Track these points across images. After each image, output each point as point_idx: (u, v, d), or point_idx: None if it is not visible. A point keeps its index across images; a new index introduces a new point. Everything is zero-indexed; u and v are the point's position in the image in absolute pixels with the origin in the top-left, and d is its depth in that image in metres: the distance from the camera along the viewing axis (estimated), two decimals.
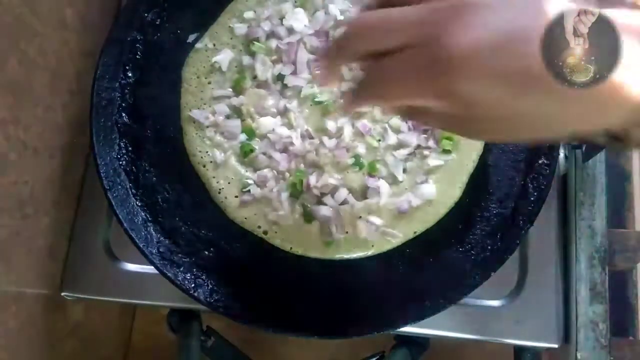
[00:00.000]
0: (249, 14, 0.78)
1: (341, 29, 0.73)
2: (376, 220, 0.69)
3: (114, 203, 0.69)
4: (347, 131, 0.72)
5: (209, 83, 0.76)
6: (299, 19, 0.76)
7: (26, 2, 0.65)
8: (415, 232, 0.69)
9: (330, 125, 0.73)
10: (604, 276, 0.70)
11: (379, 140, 0.72)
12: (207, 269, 0.69)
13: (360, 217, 0.70)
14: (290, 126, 0.73)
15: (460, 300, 0.65)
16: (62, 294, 0.76)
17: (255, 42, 0.76)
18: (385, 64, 0.38)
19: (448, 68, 0.34)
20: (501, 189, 0.70)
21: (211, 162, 0.73)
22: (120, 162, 0.72)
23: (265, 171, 0.72)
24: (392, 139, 0.72)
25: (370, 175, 0.71)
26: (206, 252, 0.70)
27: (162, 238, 0.69)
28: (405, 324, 0.65)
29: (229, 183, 0.72)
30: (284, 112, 0.74)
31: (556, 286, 0.72)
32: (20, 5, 0.64)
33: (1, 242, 0.64)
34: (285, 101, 0.74)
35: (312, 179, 0.70)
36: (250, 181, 0.71)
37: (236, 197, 0.71)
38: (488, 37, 0.34)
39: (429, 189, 0.70)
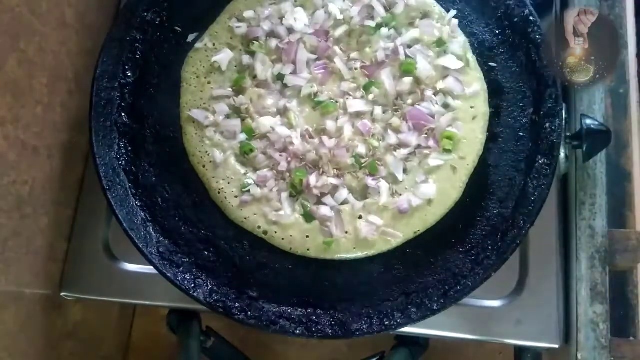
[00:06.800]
0: (248, 14, 0.78)
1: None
2: (376, 220, 0.69)
3: (113, 203, 0.69)
4: (347, 131, 0.72)
5: (209, 83, 0.76)
6: (298, 19, 0.76)
7: (25, 2, 0.65)
8: (415, 232, 0.69)
9: (330, 125, 0.72)
10: (604, 276, 0.70)
11: (379, 140, 0.72)
12: (207, 269, 0.68)
13: (361, 217, 0.70)
14: (290, 126, 0.73)
15: (460, 300, 0.65)
16: (62, 294, 0.76)
17: (255, 42, 0.76)
18: None
19: None
20: (501, 189, 0.70)
21: (211, 162, 0.73)
22: (120, 162, 0.72)
23: (265, 171, 0.71)
24: (392, 139, 0.71)
25: (370, 175, 0.71)
26: (206, 252, 0.70)
27: (161, 238, 0.69)
28: (405, 324, 0.65)
29: (228, 183, 0.72)
30: (283, 112, 0.74)
31: (557, 286, 0.72)
32: (19, 5, 0.63)
33: (0, 242, 0.64)
34: (285, 101, 0.74)
35: (312, 179, 0.70)
36: (250, 181, 0.71)
37: (236, 197, 0.71)
38: None
39: (429, 188, 0.70)
